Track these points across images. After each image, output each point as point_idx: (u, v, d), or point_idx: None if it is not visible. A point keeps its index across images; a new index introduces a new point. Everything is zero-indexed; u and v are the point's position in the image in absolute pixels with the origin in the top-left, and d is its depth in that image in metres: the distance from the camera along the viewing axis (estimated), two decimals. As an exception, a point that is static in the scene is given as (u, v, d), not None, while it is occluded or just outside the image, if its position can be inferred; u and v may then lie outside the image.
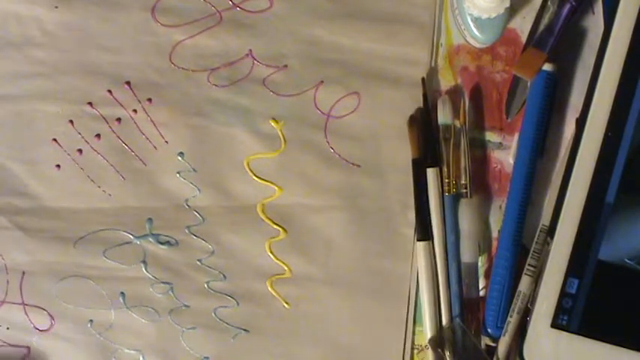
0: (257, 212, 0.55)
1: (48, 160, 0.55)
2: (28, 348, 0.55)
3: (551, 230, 0.50)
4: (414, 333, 0.55)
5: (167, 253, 0.55)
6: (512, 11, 0.52)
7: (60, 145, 0.55)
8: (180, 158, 0.55)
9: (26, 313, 0.55)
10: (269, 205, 0.55)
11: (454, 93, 0.55)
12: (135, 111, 0.55)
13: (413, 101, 0.55)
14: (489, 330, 0.52)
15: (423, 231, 0.54)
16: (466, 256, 0.53)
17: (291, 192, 0.55)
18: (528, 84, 0.54)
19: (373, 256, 0.55)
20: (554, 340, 0.49)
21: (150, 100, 0.55)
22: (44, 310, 0.55)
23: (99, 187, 0.55)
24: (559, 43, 0.53)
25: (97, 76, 0.55)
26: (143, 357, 0.55)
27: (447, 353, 0.53)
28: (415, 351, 0.55)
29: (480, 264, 0.54)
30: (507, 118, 0.55)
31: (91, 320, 0.55)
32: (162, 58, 0.55)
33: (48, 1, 0.55)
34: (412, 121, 0.55)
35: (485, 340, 0.53)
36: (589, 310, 0.49)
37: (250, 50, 0.55)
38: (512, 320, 0.51)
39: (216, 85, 0.55)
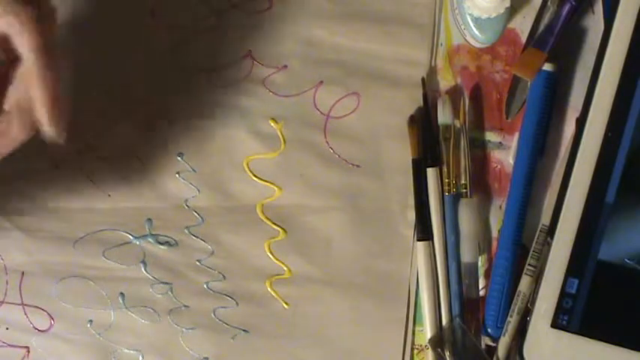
0: (256, 212, 0.55)
1: (47, 160, 0.55)
2: (28, 348, 0.55)
3: (551, 230, 0.50)
4: (414, 333, 0.55)
5: (166, 253, 0.55)
6: (512, 11, 0.52)
7: (59, 145, 0.55)
8: (179, 158, 0.55)
9: (25, 314, 0.55)
10: (268, 206, 0.55)
11: (454, 93, 0.55)
12: (134, 111, 0.55)
13: (413, 101, 0.55)
14: (489, 330, 0.52)
15: (423, 231, 0.54)
16: (466, 256, 0.53)
17: (291, 192, 0.55)
18: (528, 84, 0.54)
19: (373, 257, 0.55)
20: (554, 340, 0.49)
21: (149, 100, 0.55)
22: (44, 310, 0.55)
23: (98, 187, 0.55)
24: (559, 43, 0.53)
25: (97, 76, 0.55)
26: (142, 357, 0.55)
27: (447, 353, 0.53)
28: (415, 351, 0.55)
29: (480, 264, 0.54)
30: (507, 118, 0.55)
31: (91, 320, 0.55)
32: (162, 59, 0.55)
33: (47, 1, 0.55)
34: (412, 121, 0.55)
35: (486, 340, 0.53)
36: (589, 310, 0.49)
37: (250, 51, 0.55)
38: (512, 320, 0.51)
39: (215, 86, 0.55)
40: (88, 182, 0.55)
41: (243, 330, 0.55)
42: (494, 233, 0.55)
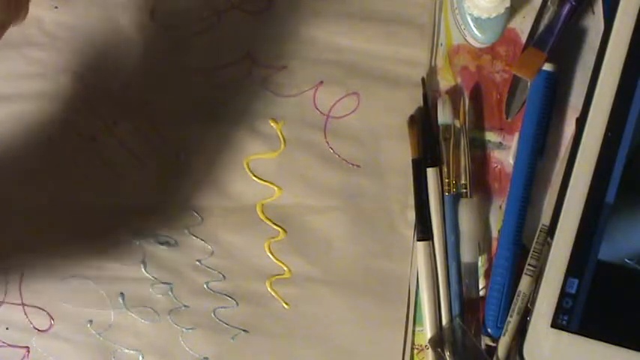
0: (256, 212, 0.55)
1: (46, 160, 0.55)
2: (28, 348, 0.55)
3: (551, 230, 0.50)
4: (414, 333, 0.55)
5: (166, 253, 0.55)
6: (512, 11, 0.52)
7: (58, 146, 0.55)
8: (179, 158, 0.55)
9: (26, 314, 0.55)
10: (268, 206, 0.55)
11: (454, 93, 0.55)
12: (134, 111, 0.55)
13: (413, 101, 0.55)
14: (489, 330, 0.52)
15: (423, 231, 0.54)
16: (466, 256, 0.53)
17: (291, 192, 0.55)
18: (528, 84, 0.54)
19: (373, 257, 0.55)
20: (554, 340, 0.49)
21: (149, 100, 0.55)
22: (44, 310, 0.55)
23: (98, 187, 0.55)
24: (559, 43, 0.53)
25: (96, 76, 0.55)
26: (142, 357, 0.55)
27: (447, 353, 0.53)
28: (415, 351, 0.55)
29: (480, 264, 0.54)
30: (507, 118, 0.55)
31: (91, 320, 0.55)
32: (162, 59, 0.55)
33: (47, 2, 0.55)
34: (412, 121, 0.55)
35: (486, 340, 0.53)
36: (589, 310, 0.49)
37: (250, 51, 0.55)
38: (512, 320, 0.51)
39: (215, 86, 0.55)
40: (87, 182, 0.55)
41: (243, 330, 0.55)
42: (494, 233, 0.55)
